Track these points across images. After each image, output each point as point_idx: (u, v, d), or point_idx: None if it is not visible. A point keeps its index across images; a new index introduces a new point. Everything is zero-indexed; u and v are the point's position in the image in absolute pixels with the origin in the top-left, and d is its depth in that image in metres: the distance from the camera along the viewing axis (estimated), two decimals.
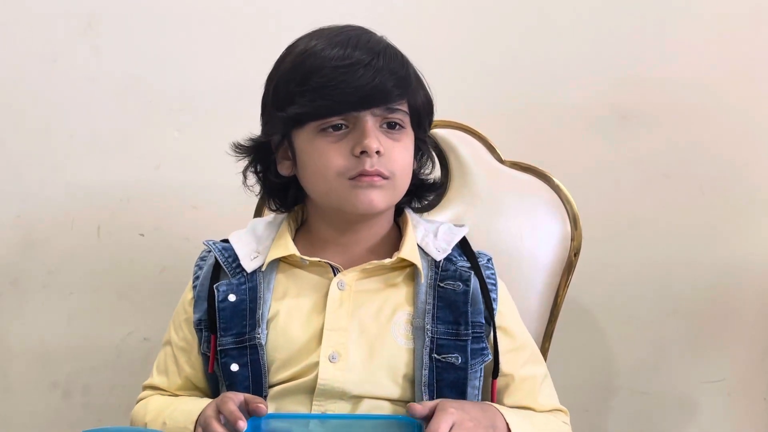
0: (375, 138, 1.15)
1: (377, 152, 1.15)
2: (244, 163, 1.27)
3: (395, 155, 1.18)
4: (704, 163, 1.76)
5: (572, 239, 1.45)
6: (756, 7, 1.75)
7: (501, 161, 1.49)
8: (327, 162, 1.16)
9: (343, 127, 1.16)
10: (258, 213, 1.49)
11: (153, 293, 1.73)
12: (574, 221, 1.45)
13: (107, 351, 1.77)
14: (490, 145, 1.50)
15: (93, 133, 1.74)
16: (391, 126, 1.18)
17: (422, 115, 1.23)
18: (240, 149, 1.25)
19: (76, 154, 1.74)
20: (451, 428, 1.05)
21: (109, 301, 1.76)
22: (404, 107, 1.19)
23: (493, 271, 1.26)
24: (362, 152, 1.15)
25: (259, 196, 1.32)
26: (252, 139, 1.24)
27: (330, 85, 1.13)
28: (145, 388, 1.29)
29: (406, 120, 1.20)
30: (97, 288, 1.76)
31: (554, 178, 1.47)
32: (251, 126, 1.26)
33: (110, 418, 1.72)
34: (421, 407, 1.07)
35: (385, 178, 1.17)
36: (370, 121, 1.16)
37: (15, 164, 1.75)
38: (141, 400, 1.28)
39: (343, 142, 1.16)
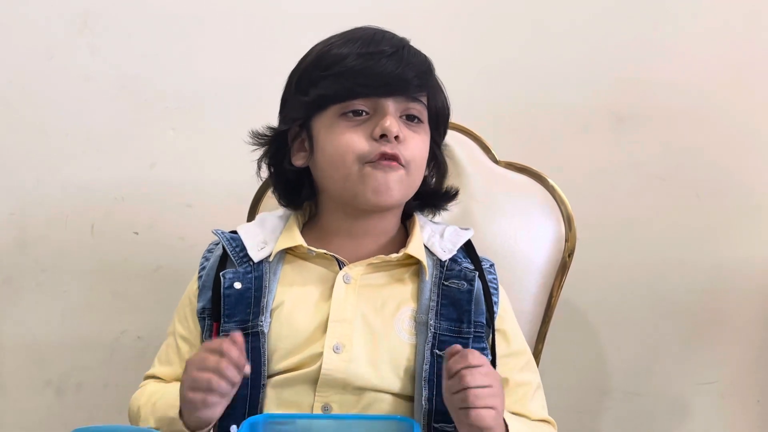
0: (396, 123, 1.17)
1: (396, 138, 1.17)
2: (243, 161, 1.27)
3: (413, 144, 1.20)
4: (699, 167, 1.77)
5: (566, 240, 1.45)
6: (752, 11, 1.75)
7: (496, 162, 1.49)
8: (347, 145, 1.18)
9: (364, 113, 1.18)
10: (253, 212, 1.49)
11: (147, 292, 1.73)
12: (568, 222, 1.45)
13: (101, 349, 1.76)
14: (485, 145, 1.50)
15: (88, 131, 1.74)
16: (410, 118, 1.21)
17: (440, 118, 1.26)
18: (258, 138, 1.26)
19: (70, 152, 1.74)
20: (472, 368, 1.05)
21: (102, 300, 1.76)
22: (424, 100, 1.22)
23: (495, 276, 1.27)
24: (382, 136, 1.17)
25: (260, 189, 1.32)
26: (271, 128, 1.26)
27: (354, 69, 1.17)
28: (147, 378, 1.29)
29: (425, 114, 1.23)
30: (90, 286, 1.76)
31: (549, 179, 1.47)
32: (247, 124, 1.27)
33: (103, 417, 1.72)
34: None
35: (401, 165, 1.18)
36: (391, 107, 1.18)
37: (10, 162, 1.74)
38: (141, 388, 1.28)
39: (363, 126, 1.18)
